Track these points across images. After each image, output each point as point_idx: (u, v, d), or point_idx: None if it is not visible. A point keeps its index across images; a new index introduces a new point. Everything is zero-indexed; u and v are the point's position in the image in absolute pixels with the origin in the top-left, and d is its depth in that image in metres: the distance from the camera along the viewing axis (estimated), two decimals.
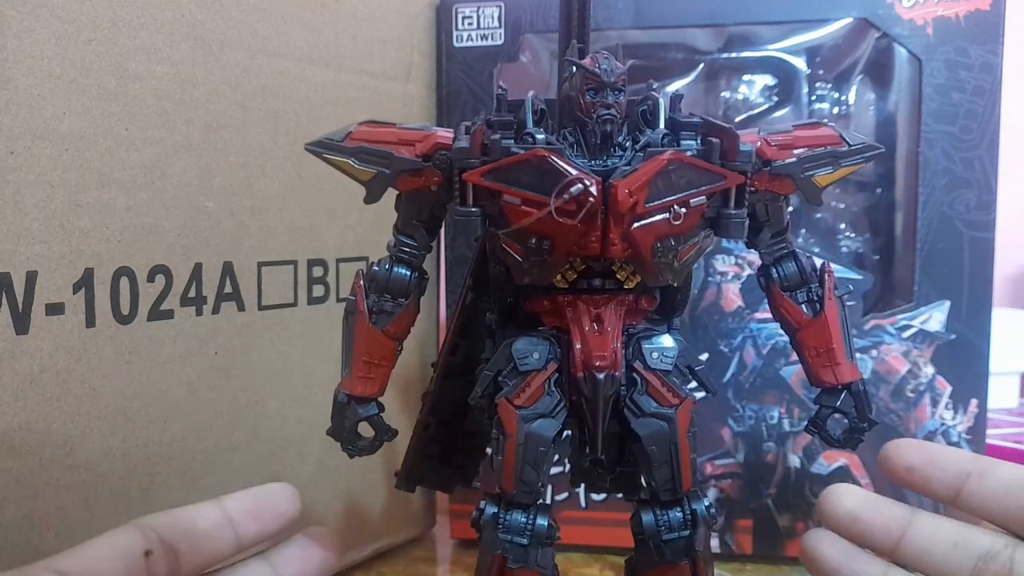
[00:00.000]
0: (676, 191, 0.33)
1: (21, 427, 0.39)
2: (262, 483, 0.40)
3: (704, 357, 0.57)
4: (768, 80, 0.61)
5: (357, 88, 0.54)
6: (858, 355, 0.48)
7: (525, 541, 0.35)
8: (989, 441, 0.57)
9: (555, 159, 0.32)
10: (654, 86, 0.36)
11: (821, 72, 0.60)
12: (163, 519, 0.36)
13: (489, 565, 0.34)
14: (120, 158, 0.41)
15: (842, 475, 0.56)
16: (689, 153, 0.33)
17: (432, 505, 0.63)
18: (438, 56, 0.59)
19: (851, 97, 0.60)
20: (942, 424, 0.55)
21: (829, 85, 0.60)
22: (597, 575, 0.56)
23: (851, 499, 0.42)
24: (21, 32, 0.37)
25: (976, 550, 0.40)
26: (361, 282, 0.37)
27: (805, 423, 0.40)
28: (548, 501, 0.57)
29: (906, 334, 0.55)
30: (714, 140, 0.33)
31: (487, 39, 0.58)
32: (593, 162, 0.33)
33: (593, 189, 0.32)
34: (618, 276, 0.35)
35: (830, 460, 0.56)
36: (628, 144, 0.34)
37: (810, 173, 0.36)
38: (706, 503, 0.36)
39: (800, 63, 0.60)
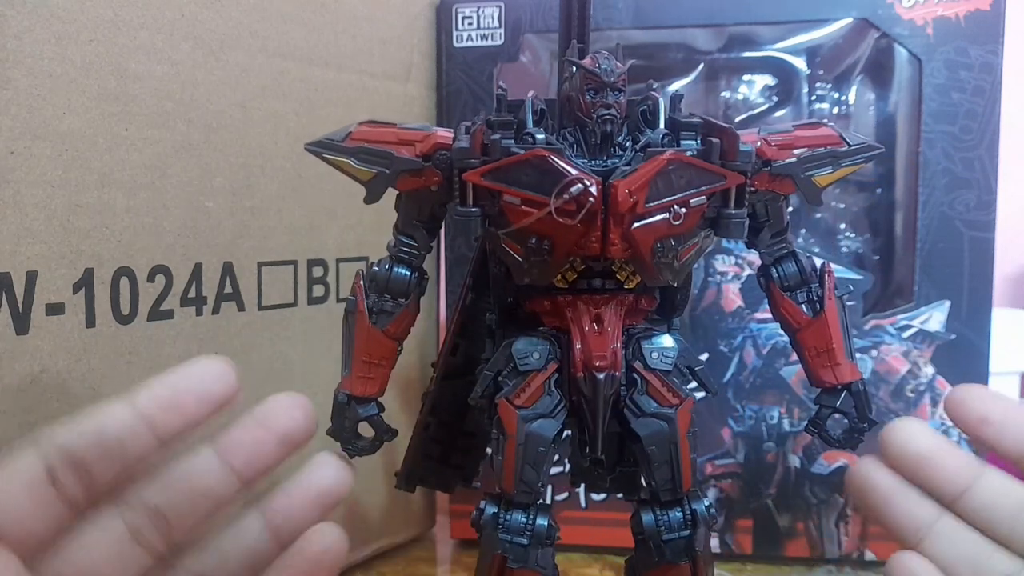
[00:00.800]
0: (676, 191, 0.33)
1: (21, 427, 0.38)
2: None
3: (704, 357, 0.57)
4: (768, 80, 0.61)
5: (357, 88, 0.54)
6: (858, 355, 0.48)
7: (525, 541, 0.35)
8: None
9: (555, 159, 0.32)
10: (654, 86, 0.36)
11: (821, 72, 0.60)
12: (62, 432, 0.32)
13: (489, 565, 0.34)
14: (120, 158, 0.41)
15: (842, 475, 0.56)
16: (689, 153, 0.33)
17: (432, 505, 0.63)
18: (438, 56, 0.59)
19: (851, 97, 0.60)
20: (942, 424, 0.55)
21: (829, 85, 0.60)
22: (597, 575, 0.56)
23: (925, 438, 0.40)
24: (21, 32, 0.37)
25: None
26: (361, 282, 0.37)
27: (805, 423, 0.40)
28: (548, 501, 0.57)
29: (906, 334, 0.55)
30: (714, 140, 0.33)
31: (487, 39, 0.58)
32: (593, 162, 0.33)
33: (593, 189, 0.32)
34: (618, 276, 0.35)
35: (830, 460, 0.56)
36: (628, 144, 0.34)
37: (810, 173, 0.36)
38: (706, 503, 0.36)
39: (800, 63, 0.60)
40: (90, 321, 0.41)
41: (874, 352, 0.56)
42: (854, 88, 0.60)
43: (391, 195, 0.37)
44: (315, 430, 0.37)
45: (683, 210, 0.33)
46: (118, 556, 0.33)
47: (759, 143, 0.35)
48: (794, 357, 0.44)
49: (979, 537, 0.40)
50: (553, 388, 0.35)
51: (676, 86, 0.60)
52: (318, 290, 0.53)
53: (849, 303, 0.38)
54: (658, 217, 0.32)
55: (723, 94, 0.62)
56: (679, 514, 0.35)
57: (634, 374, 0.35)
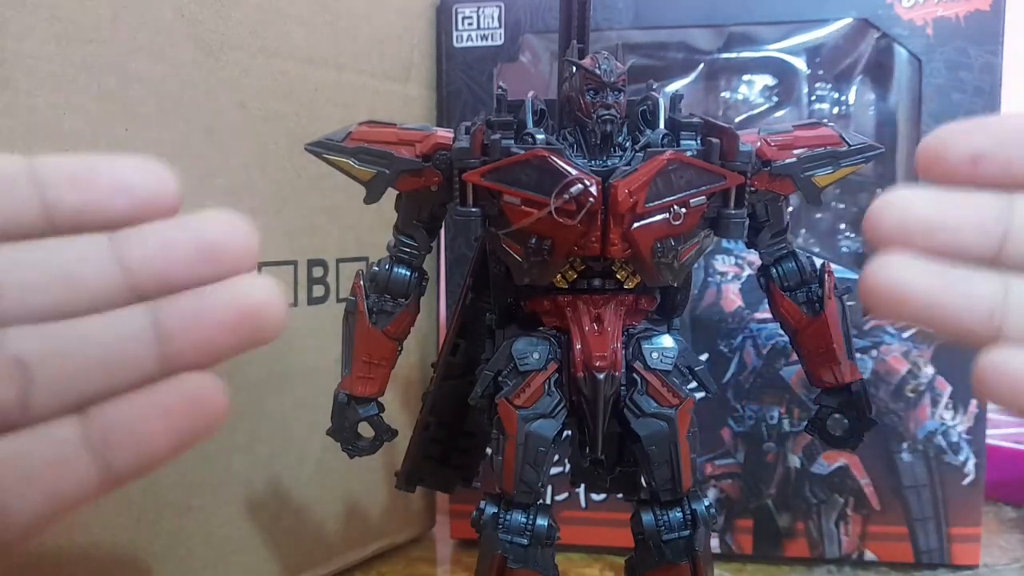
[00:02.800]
0: (676, 191, 0.33)
1: None
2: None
3: (704, 357, 0.57)
4: (768, 80, 0.61)
5: (357, 88, 0.54)
6: (858, 355, 0.48)
7: (525, 541, 0.35)
8: (989, 441, 0.57)
9: (555, 159, 0.32)
10: (654, 86, 0.36)
11: (821, 72, 0.60)
12: None
13: (489, 565, 0.34)
14: None
15: (842, 475, 0.56)
16: (689, 153, 0.33)
17: (432, 505, 0.63)
18: (438, 56, 0.59)
19: (851, 97, 0.60)
20: (942, 424, 0.55)
21: (829, 85, 0.60)
22: (597, 575, 0.56)
23: (918, 205, 0.28)
24: (21, 32, 0.37)
25: None
26: (361, 282, 0.37)
27: (805, 423, 0.40)
28: (548, 501, 0.57)
29: (906, 334, 0.55)
30: (714, 140, 0.34)
31: (487, 39, 0.58)
32: (593, 162, 0.33)
33: (593, 189, 0.32)
34: (618, 276, 0.35)
35: (830, 460, 0.56)
36: (628, 144, 0.34)
37: (810, 173, 0.36)
38: (706, 503, 0.36)
39: (800, 63, 0.60)
40: None
41: (874, 352, 0.56)
42: (854, 88, 0.60)
43: (391, 195, 0.37)
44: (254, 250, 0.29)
45: (683, 210, 0.33)
46: None
47: (759, 143, 0.35)
48: (794, 357, 0.44)
49: None
50: (553, 388, 0.35)
51: (676, 86, 0.60)
52: (318, 290, 0.53)
53: (849, 303, 0.38)
54: (658, 217, 0.32)
55: (723, 94, 0.62)
56: (679, 514, 0.36)
57: (634, 374, 0.35)
